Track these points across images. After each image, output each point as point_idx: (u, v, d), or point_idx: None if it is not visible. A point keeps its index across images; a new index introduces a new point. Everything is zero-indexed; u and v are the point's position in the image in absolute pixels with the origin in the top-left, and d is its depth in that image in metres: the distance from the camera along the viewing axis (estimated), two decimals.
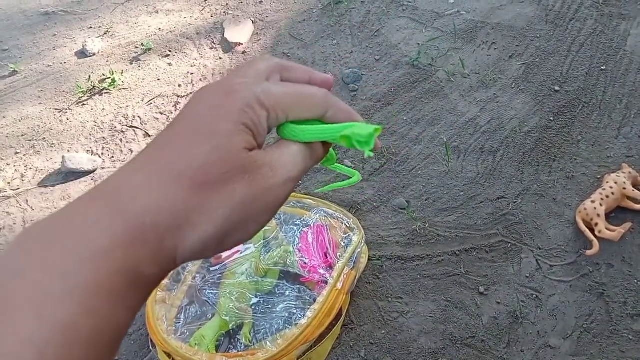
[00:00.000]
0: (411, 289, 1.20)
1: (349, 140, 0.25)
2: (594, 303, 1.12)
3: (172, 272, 1.17)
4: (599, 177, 1.31)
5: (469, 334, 1.11)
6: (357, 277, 1.18)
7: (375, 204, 1.36)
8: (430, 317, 1.15)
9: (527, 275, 1.18)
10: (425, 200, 1.35)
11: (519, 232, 1.26)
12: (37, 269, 0.19)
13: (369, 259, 1.24)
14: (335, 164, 0.34)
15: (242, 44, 1.87)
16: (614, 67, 1.54)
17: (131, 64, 1.92)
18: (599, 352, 1.06)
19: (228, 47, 1.88)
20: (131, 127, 1.71)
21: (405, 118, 1.53)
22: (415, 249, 1.27)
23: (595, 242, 1.17)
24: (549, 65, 1.59)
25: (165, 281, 1.15)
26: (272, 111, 0.25)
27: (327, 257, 1.18)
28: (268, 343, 0.99)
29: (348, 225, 1.21)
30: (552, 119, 1.46)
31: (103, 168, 1.60)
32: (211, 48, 1.90)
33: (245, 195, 0.23)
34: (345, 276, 1.10)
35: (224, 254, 1.20)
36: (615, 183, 1.23)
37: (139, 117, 1.73)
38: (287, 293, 1.15)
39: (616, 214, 1.24)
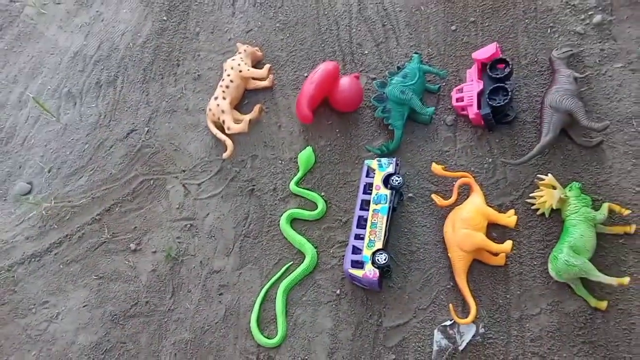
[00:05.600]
0: (56, 284, 1.00)
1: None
2: (248, 203, 1.04)
3: None
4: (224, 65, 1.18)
5: (130, 304, 0.96)
6: None
7: None
8: (84, 306, 0.97)
9: (177, 206, 1.04)
10: (49, 172, 1.11)
11: (159, 162, 1.10)
12: None
13: None
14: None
15: None
16: None
17: None
18: (262, 253, 0.99)
19: None
20: None
21: None
22: (51, 235, 1.04)
23: (228, 141, 1.06)
24: None
25: None
26: None
27: None
28: None
29: None
30: (165, 18, 1.27)
31: None
32: None
33: None
34: None
35: None
36: (232, 68, 1.12)
37: None
38: None
39: (248, 99, 1.14)
